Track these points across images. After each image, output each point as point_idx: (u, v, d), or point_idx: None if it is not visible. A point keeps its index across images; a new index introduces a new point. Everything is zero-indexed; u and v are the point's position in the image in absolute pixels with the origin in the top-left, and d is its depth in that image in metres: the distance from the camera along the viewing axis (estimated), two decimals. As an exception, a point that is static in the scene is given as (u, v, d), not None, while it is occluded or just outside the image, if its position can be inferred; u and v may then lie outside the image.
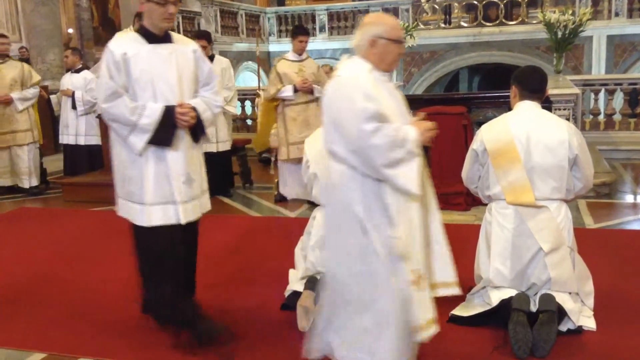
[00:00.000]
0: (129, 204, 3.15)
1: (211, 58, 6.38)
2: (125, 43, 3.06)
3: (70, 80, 7.60)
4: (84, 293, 4.04)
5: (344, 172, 2.56)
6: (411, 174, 2.51)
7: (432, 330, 2.63)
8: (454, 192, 5.68)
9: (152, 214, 3.08)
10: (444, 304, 3.43)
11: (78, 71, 7.70)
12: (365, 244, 2.54)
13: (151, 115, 2.99)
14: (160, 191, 3.06)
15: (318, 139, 3.64)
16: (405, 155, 2.50)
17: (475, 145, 3.36)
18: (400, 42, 2.65)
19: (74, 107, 7.55)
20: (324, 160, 3.54)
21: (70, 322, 3.59)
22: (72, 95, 7.51)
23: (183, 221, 3.12)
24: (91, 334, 3.41)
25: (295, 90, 6.07)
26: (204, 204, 3.33)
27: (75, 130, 7.61)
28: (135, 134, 3.00)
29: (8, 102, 7.03)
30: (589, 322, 3.18)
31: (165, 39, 3.14)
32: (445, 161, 5.76)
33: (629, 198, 6.25)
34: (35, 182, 7.30)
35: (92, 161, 7.50)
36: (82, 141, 7.63)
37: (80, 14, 13.91)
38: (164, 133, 3.02)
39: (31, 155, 7.27)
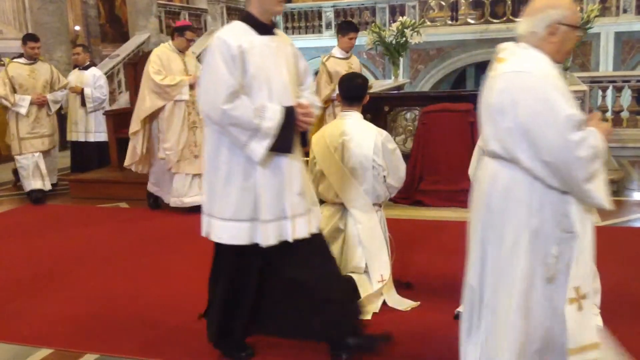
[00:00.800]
0: (234, 224, 2.73)
1: None
2: (237, 34, 2.68)
3: (78, 77, 7.63)
4: (90, 289, 4.06)
5: (522, 180, 2.24)
6: (605, 186, 2.24)
7: (590, 356, 2.30)
8: (460, 190, 5.66)
9: (267, 232, 2.70)
10: (450, 301, 3.44)
11: (86, 68, 7.74)
12: (533, 262, 2.27)
13: (273, 117, 2.63)
14: (276, 205, 2.70)
15: (324, 135, 3.66)
16: (600, 166, 2.19)
17: (481, 142, 3.35)
18: (579, 28, 2.32)
19: (83, 104, 7.58)
20: (331, 158, 3.56)
21: (76, 318, 3.60)
22: (81, 92, 7.54)
23: (291, 238, 2.74)
24: (97, 330, 3.42)
25: None
26: (317, 217, 2.92)
27: (85, 127, 7.65)
28: (257, 140, 2.62)
29: (44, 103, 6.74)
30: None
31: (272, 29, 2.79)
32: (451, 158, 5.75)
33: (636, 195, 6.22)
34: (49, 185, 6.95)
35: (101, 158, 7.52)
36: (92, 138, 7.67)
37: (87, 11, 13.97)
38: (286, 137, 2.67)
39: (51, 158, 7.05)
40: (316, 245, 2.87)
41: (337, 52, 6.08)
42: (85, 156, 7.66)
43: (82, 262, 4.63)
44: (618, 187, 6.24)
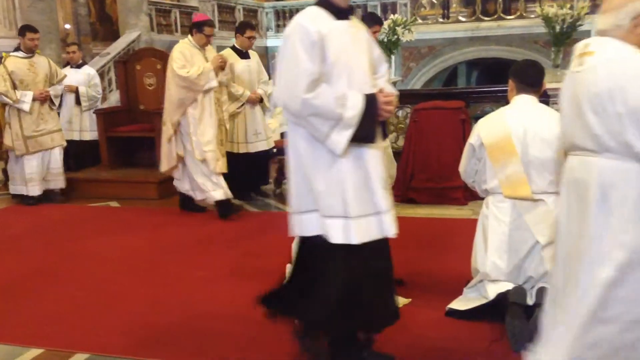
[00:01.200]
0: (325, 220, 2.54)
1: (244, 54, 6.24)
2: (315, 19, 2.51)
3: (73, 76, 7.56)
4: (81, 289, 4.03)
5: (631, 170, 2.21)
6: None
7: None
8: (451, 187, 5.69)
9: (359, 229, 2.52)
10: (441, 297, 3.45)
11: (79, 66, 7.69)
12: None
13: (355, 106, 2.46)
14: (363, 200, 2.53)
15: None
16: None
17: (472, 139, 3.36)
18: None
19: (77, 102, 7.53)
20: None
21: (67, 317, 3.58)
22: (76, 91, 7.49)
23: (391, 233, 2.60)
24: (88, 330, 3.40)
25: None
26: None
27: (80, 125, 7.59)
28: (339, 130, 2.45)
29: (46, 98, 6.41)
30: None
31: (349, 14, 2.63)
32: (443, 156, 5.76)
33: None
34: (63, 184, 6.67)
35: (95, 156, 7.44)
36: (87, 136, 7.62)
37: (77, 9, 13.90)
38: (368, 127, 2.49)
39: (61, 156, 6.65)
40: (386, 248, 2.73)
41: None
42: (81, 155, 7.61)
43: (72, 261, 4.60)
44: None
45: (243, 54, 6.22)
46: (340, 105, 2.44)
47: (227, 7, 15.59)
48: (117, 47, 11.58)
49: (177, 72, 5.45)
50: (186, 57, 5.52)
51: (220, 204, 5.63)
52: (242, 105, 6.12)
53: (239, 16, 15.98)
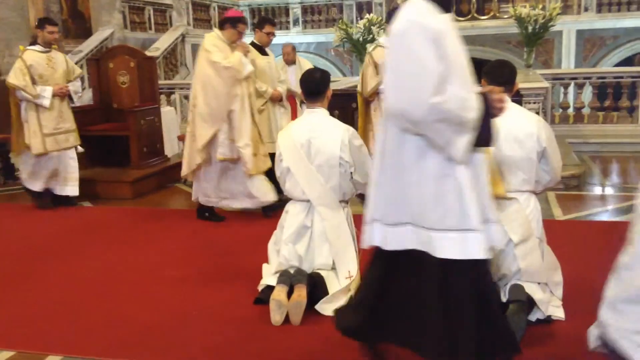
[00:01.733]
0: (442, 235, 2.30)
1: (263, 51, 6.00)
2: (428, 14, 2.24)
3: None
4: (52, 289, 3.99)
5: None
6: None
7: None
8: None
9: (483, 240, 2.30)
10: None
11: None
12: None
13: (475, 107, 2.23)
14: (480, 210, 2.31)
15: (290, 132, 3.65)
16: None
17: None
18: None
19: None
20: (297, 154, 3.56)
21: (40, 319, 3.54)
22: None
23: (501, 244, 2.44)
24: (61, 331, 3.37)
25: None
26: None
27: None
28: (461, 135, 2.22)
29: (66, 94, 6.11)
30: (557, 312, 3.24)
31: (451, 5, 2.41)
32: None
33: (597, 190, 6.37)
34: (76, 191, 6.24)
35: None
36: None
37: (49, 6, 13.65)
38: (487, 129, 2.27)
39: (75, 161, 6.28)
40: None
41: (386, 41, 5.96)
42: None
43: (45, 262, 4.54)
44: (579, 182, 6.39)
45: (263, 51, 6.00)
46: (463, 107, 2.21)
47: (201, 4, 15.47)
48: (89, 44, 11.43)
49: (223, 63, 5.10)
50: (220, 49, 5.22)
51: (204, 207, 5.51)
52: (265, 102, 5.90)
53: (214, 14, 15.86)
